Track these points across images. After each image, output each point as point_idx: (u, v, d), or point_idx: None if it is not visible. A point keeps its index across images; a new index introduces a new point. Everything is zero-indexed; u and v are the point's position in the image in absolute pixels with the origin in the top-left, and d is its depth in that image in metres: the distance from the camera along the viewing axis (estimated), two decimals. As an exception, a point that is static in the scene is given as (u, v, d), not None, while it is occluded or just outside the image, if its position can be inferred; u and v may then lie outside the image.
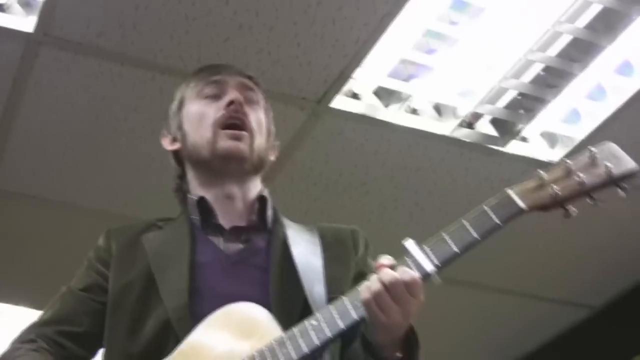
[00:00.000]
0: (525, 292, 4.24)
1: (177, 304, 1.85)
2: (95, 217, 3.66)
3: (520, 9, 3.05)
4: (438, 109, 3.41)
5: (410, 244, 1.71)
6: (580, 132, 3.45)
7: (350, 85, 3.25)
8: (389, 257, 1.71)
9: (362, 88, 3.31)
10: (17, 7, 2.98)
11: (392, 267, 1.69)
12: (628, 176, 1.70)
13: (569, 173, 1.72)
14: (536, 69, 3.25)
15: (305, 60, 3.11)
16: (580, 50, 3.17)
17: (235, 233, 1.99)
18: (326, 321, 1.71)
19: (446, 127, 3.41)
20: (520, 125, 3.44)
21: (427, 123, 3.39)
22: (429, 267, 1.68)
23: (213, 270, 1.92)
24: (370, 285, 1.68)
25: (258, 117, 2.09)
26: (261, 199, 2.05)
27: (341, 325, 1.70)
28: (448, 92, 3.35)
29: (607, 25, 3.08)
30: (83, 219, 3.71)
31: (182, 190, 2.10)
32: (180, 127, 2.10)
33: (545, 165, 1.76)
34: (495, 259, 3.94)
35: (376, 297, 1.66)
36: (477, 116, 3.43)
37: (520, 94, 3.34)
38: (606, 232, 3.86)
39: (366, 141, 3.43)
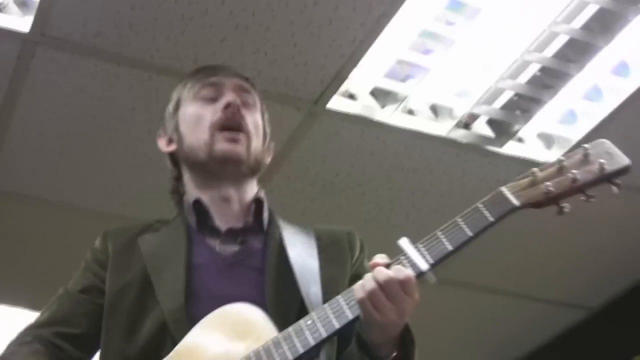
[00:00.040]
0: (522, 293, 4.24)
1: (174, 306, 1.85)
2: (93, 217, 3.66)
3: (516, 9, 3.05)
4: (434, 109, 3.40)
5: (404, 243, 1.72)
6: (576, 132, 3.45)
7: (347, 85, 3.25)
8: (384, 255, 1.72)
9: (358, 88, 3.30)
10: (13, 7, 2.98)
11: (387, 266, 1.69)
12: (621, 172, 1.70)
13: (562, 170, 1.73)
14: (532, 69, 3.24)
15: (302, 60, 3.11)
16: (577, 51, 3.17)
17: (231, 235, 1.99)
18: (321, 320, 1.72)
19: (443, 128, 3.41)
20: (516, 126, 3.43)
21: (424, 124, 3.39)
22: (423, 265, 1.69)
23: (209, 272, 1.93)
24: (365, 284, 1.68)
25: (255, 120, 2.09)
26: (257, 201, 2.05)
27: (336, 324, 1.71)
28: (444, 92, 3.35)
29: (603, 25, 3.08)
30: (80, 219, 3.71)
31: (178, 191, 2.11)
32: (176, 129, 2.10)
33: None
34: (493, 260, 3.95)
35: (371, 295, 1.66)
36: (473, 117, 3.43)
37: (516, 94, 3.33)
38: (604, 234, 3.86)
39: (363, 142, 3.43)
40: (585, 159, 1.72)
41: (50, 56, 3.07)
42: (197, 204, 2.02)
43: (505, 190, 1.73)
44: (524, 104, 3.36)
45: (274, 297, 1.87)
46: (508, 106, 3.37)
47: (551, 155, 3.47)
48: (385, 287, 1.66)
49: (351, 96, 3.30)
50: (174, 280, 1.89)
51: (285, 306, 1.85)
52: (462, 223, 1.71)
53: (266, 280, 1.91)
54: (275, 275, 1.92)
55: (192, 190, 2.06)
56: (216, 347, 1.76)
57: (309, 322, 1.73)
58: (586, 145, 1.73)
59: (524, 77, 3.27)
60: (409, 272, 1.68)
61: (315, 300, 1.85)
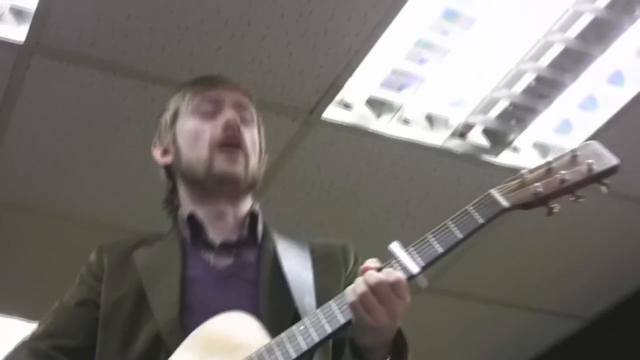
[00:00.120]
0: (517, 303, 4.24)
1: (168, 318, 1.86)
2: (88, 227, 3.66)
3: (511, 18, 3.06)
4: (430, 119, 3.40)
5: (395, 247, 1.73)
6: (572, 142, 3.44)
7: (342, 95, 3.25)
8: (375, 259, 1.72)
9: (353, 98, 3.30)
10: (9, 17, 2.98)
11: (378, 270, 1.70)
12: (609, 172, 1.72)
13: (551, 171, 1.75)
14: (528, 79, 3.25)
15: (297, 69, 3.11)
16: (572, 60, 3.17)
17: (226, 248, 1.99)
18: (314, 325, 1.73)
19: (438, 138, 3.41)
20: (512, 136, 3.44)
21: (419, 133, 3.39)
22: (414, 268, 1.70)
23: (204, 285, 1.93)
24: (356, 287, 1.69)
25: (252, 137, 2.09)
26: (252, 214, 2.05)
27: (328, 328, 1.71)
28: (440, 102, 3.35)
29: (598, 35, 3.09)
30: (76, 229, 3.71)
31: (172, 204, 2.11)
32: (174, 142, 2.09)
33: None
34: (488, 270, 3.95)
35: (362, 298, 1.67)
36: (468, 126, 3.43)
37: (511, 104, 3.33)
38: (599, 244, 3.86)
39: (358, 151, 3.43)
40: (574, 160, 1.74)
41: (46, 65, 3.07)
42: (192, 219, 2.02)
43: (494, 192, 1.75)
44: (519, 114, 3.36)
45: (269, 308, 1.88)
46: (503, 116, 3.37)
47: (547, 165, 3.47)
48: (376, 289, 1.67)
49: (346, 106, 3.30)
50: (168, 293, 1.89)
51: (280, 317, 1.86)
52: (452, 226, 1.72)
53: (260, 292, 1.91)
54: (270, 287, 1.92)
55: (187, 204, 2.06)
56: (212, 356, 1.77)
57: (302, 327, 1.74)
58: (575, 147, 1.74)
59: (519, 87, 3.27)
60: (399, 275, 1.68)
61: (310, 310, 1.85)
